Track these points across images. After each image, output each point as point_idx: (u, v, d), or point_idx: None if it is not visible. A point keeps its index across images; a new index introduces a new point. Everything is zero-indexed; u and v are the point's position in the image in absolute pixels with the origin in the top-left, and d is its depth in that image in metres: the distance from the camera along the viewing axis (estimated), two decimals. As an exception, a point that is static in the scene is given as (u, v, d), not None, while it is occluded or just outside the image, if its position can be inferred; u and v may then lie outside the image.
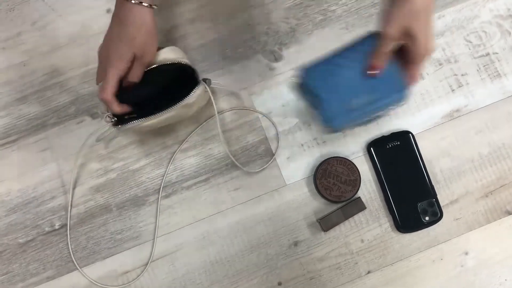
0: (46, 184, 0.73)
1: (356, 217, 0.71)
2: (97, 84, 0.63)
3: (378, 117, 0.69)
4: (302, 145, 0.73)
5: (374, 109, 0.60)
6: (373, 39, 0.57)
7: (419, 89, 0.74)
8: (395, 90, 0.59)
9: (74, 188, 0.72)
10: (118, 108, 0.62)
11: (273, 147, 0.73)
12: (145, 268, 0.70)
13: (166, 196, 0.72)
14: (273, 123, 0.73)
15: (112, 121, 0.64)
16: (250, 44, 0.76)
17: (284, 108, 0.74)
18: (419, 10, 0.53)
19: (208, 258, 0.71)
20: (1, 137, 0.74)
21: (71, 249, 0.71)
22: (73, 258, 0.71)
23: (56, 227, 0.72)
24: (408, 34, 0.54)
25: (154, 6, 0.59)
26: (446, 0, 0.76)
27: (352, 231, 0.71)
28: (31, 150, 0.74)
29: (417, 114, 0.74)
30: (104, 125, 0.66)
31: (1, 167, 0.73)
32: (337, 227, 0.71)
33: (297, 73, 0.62)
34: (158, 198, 0.72)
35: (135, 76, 0.62)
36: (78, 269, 0.71)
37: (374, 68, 0.57)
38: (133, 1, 0.57)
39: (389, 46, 0.55)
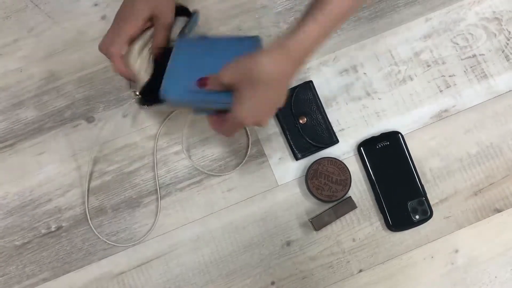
0: (42, 187, 0.74)
1: (347, 216, 0.72)
2: (100, 48, 0.62)
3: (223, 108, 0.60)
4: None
5: (211, 98, 0.59)
6: (252, 41, 0.66)
7: (408, 90, 0.75)
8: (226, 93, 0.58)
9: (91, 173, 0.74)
10: (122, 66, 0.62)
11: (265, 147, 0.74)
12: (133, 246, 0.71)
13: (160, 198, 0.73)
14: None
15: (136, 96, 0.65)
16: (242, 48, 0.77)
17: (275, 110, 0.75)
18: (257, 79, 0.52)
19: (202, 259, 0.72)
20: (-2, 141, 0.76)
21: (95, 231, 0.72)
22: (100, 237, 0.72)
23: (52, 229, 0.73)
24: (233, 89, 0.55)
25: None
26: (433, 3, 0.78)
27: (344, 230, 0.72)
28: (27, 154, 0.75)
29: (406, 114, 0.75)
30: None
31: (-2, 170, 0.75)
32: (328, 227, 0.72)
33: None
34: (152, 200, 0.73)
35: (160, 39, 0.63)
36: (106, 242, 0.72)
37: (203, 85, 0.58)
38: None
39: (216, 86, 0.56)
